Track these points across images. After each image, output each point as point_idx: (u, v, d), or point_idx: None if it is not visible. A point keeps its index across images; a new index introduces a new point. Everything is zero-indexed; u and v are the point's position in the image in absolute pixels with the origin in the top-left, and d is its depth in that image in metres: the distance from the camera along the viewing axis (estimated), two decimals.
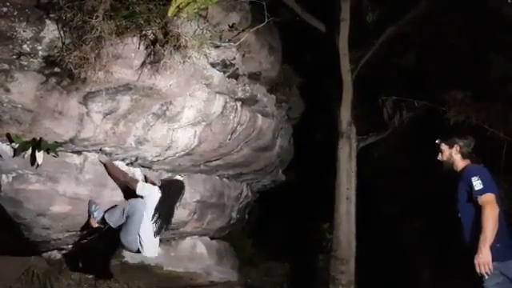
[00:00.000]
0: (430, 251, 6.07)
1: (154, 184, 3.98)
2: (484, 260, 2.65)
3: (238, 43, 3.89)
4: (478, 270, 2.69)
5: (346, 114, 5.81)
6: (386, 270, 6.12)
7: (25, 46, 2.95)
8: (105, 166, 3.83)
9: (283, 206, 7.45)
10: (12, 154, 3.29)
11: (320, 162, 6.55)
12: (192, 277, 5.58)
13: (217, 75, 4.07)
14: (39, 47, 3.00)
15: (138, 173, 4.18)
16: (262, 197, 7.00)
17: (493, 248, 2.67)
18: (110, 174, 3.87)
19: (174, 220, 4.07)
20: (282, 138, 5.92)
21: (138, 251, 3.80)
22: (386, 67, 6.14)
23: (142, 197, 3.78)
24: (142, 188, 3.82)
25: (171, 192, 3.88)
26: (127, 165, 4.17)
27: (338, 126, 5.85)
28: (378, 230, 6.54)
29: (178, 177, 4.16)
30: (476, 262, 2.67)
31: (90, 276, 4.85)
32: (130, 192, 3.91)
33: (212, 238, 5.99)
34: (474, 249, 2.70)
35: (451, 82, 5.33)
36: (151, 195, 3.79)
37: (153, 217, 3.74)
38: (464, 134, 3.18)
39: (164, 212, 3.80)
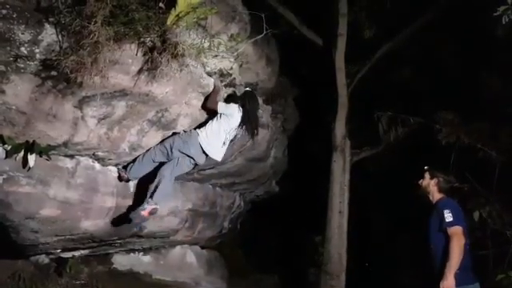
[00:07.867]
0: (422, 267, 6.05)
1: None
2: (448, 285, 2.94)
3: (235, 53, 3.92)
4: None
5: (340, 128, 5.84)
6: (376, 285, 6.09)
7: (22, 49, 2.96)
8: (213, 90, 3.91)
9: (275, 217, 7.41)
10: (4, 155, 3.26)
11: (314, 174, 6.55)
12: (180, 286, 5.52)
13: (213, 84, 4.08)
14: (37, 50, 3.00)
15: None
16: (255, 207, 6.97)
17: (455, 275, 2.96)
18: (208, 97, 3.91)
19: (164, 228, 4.00)
20: (277, 149, 5.93)
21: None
22: (381, 83, 6.20)
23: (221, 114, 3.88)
24: (224, 106, 3.90)
25: (250, 102, 4.07)
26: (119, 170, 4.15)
27: (333, 139, 5.87)
28: (370, 244, 6.52)
29: (246, 88, 4.27)
30: (441, 286, 2.95)
31: (78, 282, 4.78)
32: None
33: (202, 248, 5.95)
34: (441, 274, 2.99)
35: (444, 100, 5.38)
36: (233, 114, 3.90)
37: (239, 127, 3.96)
38: (448, 172, 3.57)
39: (252, 120, 4.05)
